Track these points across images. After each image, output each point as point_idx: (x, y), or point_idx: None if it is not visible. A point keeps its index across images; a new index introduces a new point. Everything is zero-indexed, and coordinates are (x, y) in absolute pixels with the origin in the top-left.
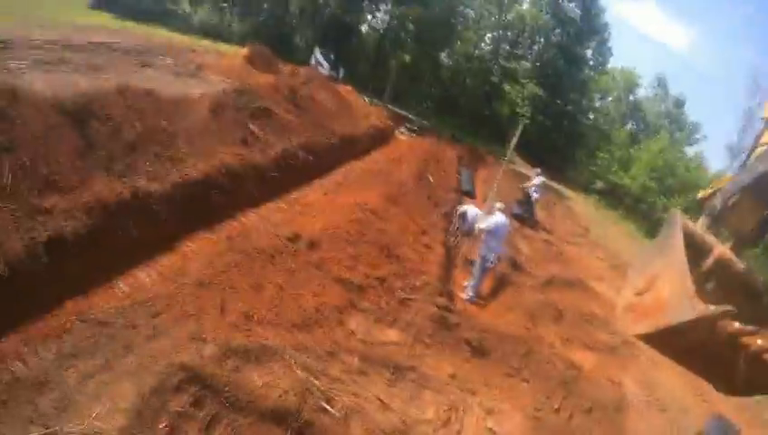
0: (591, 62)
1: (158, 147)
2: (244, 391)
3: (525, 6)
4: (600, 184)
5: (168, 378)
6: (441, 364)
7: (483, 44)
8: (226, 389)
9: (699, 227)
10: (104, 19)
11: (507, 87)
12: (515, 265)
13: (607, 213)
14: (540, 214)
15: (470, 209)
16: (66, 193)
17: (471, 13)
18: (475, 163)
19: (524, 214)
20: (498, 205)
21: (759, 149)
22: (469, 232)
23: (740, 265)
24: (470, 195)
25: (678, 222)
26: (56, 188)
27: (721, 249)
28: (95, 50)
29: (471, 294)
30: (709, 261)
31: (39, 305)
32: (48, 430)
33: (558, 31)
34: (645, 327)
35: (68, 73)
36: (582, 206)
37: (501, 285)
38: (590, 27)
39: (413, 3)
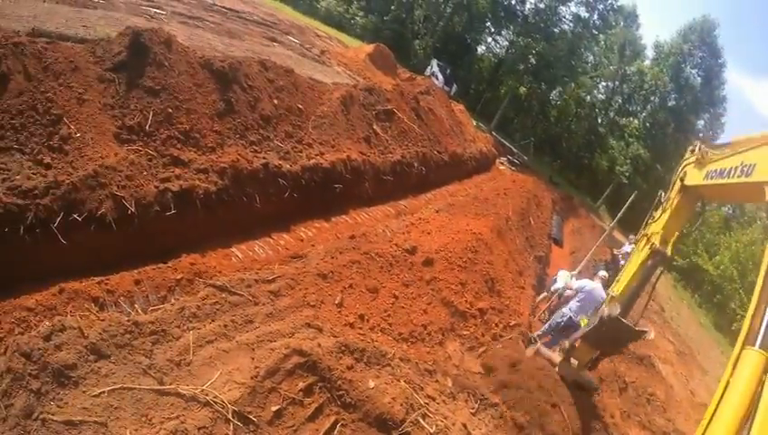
0: (702, 135)
1: (290, 127)
2: (356, 390)
3: (647, 63)
4: (681, 262)
5: (284, 360)
6: None
7: (596, 92)
8: (339, 383)
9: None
10: None
11: (613, 141)
12: None
13: (683, 294)
14: None
15: (561, 275)
16: (203, 151)
17: (591, 58)
18: (566, 211)
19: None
20: (602, 273)
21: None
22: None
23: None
24: (557, 243)
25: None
26: (194, 144)
27: None
28: (228, 15)
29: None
30: None
31: (157, 251)
32: (164, 386)
33: (675, 95)
34: None
35: (203, 32)
36: (660, 281)
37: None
38: (708, 98)
39: (538, 36)
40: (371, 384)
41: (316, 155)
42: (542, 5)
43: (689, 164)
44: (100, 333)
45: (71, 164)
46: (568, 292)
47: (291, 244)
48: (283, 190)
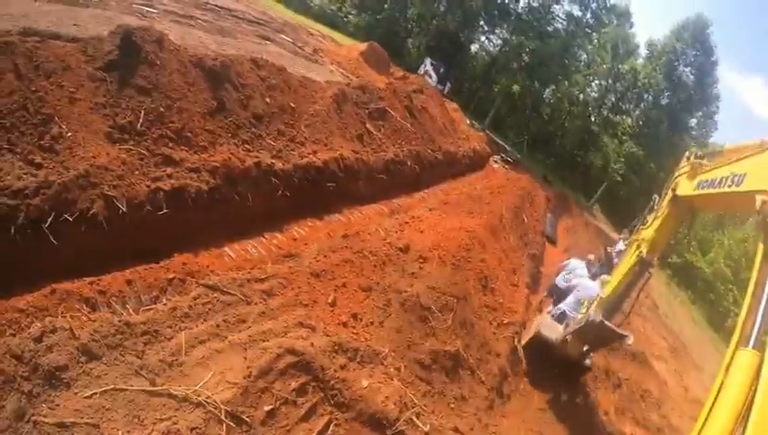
0: (694, 133)
1: (283, 125)
2: (350, 390)
3: (640, 61)
4: (676, 260)
5: (277, 359)
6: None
7: (589, 90)
8: (332, 383)
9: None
10: None
11: (606, 139)
12: None
13: (677, 291)
14: None
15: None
16: (195, 150)
17: (584, 56)
18: (560, 209)
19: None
20: (604, 278)
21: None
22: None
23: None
24: (551, 241)
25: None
26: (186, 143)
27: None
28: (220, 13)
29: None
30: None
31: (149, 252)
32: (156, 387)
33: (668, 94)
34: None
35: (196, 30)
36: (654, 279)
37: None
38: (700, 96)
39: (531, 34)
40: (365, 383)
41: (309, 154)
42: (535, 4)
43: (682, 174)
44: (91, 334)
45: (62, 164)
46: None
47: (284, 243)
48: (275, 189)
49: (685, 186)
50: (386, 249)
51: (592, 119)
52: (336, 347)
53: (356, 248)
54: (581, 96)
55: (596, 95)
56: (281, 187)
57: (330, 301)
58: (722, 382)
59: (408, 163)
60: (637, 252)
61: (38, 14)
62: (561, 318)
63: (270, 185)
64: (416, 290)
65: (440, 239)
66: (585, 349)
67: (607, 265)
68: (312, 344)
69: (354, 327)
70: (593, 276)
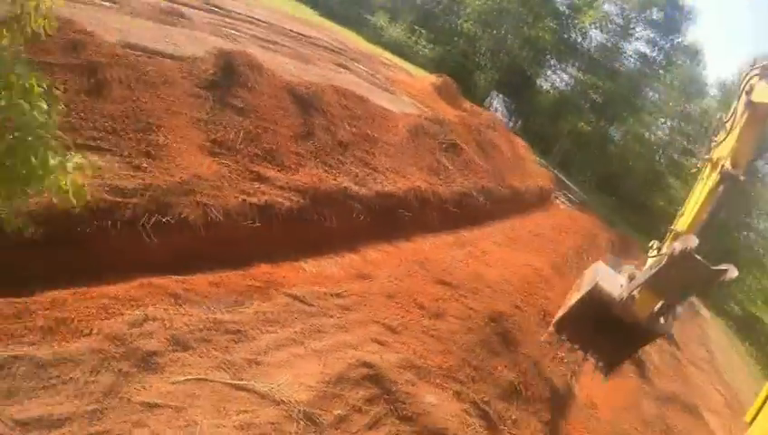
0: None
1: (363, 152)
2: (415, 405)
3: (709, 100)
4: (737, 310)
5: (351, 369)
6: None
7: (658, 130)
8: (399, 397)
9: None
10: (306, 12)
11: (671, 181)
12: (641, 369)
13: (735, 343)
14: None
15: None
16: (283, 170)
17: (654, 96)
18: (624, 252)
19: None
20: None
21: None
22: None
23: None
24: None
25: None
26: (275, 162)
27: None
28: (300, 40)
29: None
30: None
31: (235, 259)
32: (240, 382)
33: None
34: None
35: (280, 56)
36: (713, 328)
37: (624, 382)
38: None
39: (601, 72)
40: (430, 400)
41: (386, 181)
42: (606, 43)
43: (755, 76)
44: (183, 326)
45: (164, 170)
46: None
47: (357, 263)
48: (353, 213)
49: (762, 91)
50: (456, 279)
51: (660, 160)
52: (405, 364)
53: (428, 275)
54: (651, 136)
55: (666, 138)
56: (359, 211)
57: (402, 321)
58: None
59: (475, 196)
60: (715, 172)
61: (134, 29)
62: None
63: (349, 208)
64: (483, 319)
65: (506, 273)
66: (659, 307)
67: None
68: (381, 358)
69: (424, 346)
70: None
